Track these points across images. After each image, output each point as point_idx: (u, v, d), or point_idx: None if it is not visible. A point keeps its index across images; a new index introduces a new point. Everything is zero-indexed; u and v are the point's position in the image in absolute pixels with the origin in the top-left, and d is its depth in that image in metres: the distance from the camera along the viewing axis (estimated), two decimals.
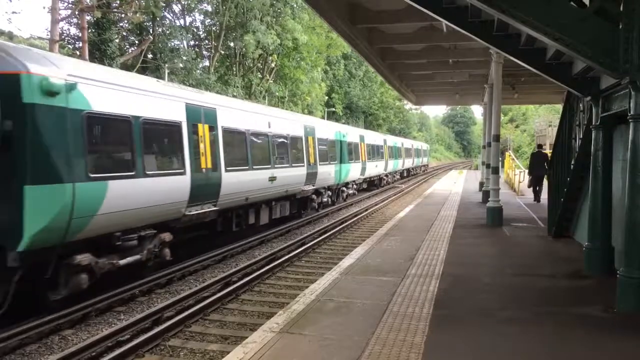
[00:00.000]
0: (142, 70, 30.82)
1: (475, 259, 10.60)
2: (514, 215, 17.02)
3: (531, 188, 21.80)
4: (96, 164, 9.49)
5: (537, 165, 20.44)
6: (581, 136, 10.93)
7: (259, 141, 16.74)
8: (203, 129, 13.26)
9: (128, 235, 10.57)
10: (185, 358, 7.84)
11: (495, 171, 15.99)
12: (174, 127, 12.07)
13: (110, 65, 25.80)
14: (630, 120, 7.14)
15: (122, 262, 10.45)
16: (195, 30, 40.78)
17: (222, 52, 39.99)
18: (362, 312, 7.05)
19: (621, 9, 7.04)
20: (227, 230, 15.40)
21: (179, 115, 12.26)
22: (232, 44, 40.24)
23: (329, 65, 57.53)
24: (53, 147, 8.50)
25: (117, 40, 29.49)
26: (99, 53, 25.89)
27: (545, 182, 19.56)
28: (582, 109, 11.05)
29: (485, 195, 19.67)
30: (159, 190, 11.14)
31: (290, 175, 18.97)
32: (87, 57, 24.47)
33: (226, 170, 14.13)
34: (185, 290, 11.19)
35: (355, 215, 22.89)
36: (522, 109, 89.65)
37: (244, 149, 15.63)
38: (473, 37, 10.69)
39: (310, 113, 44.73)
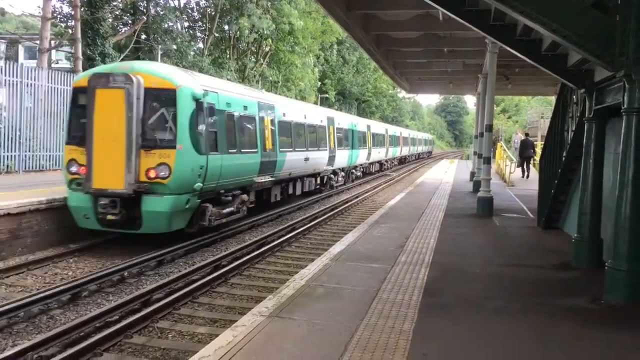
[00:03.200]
0: (135, 51, 30.55)
1: (465, 248, 10.67)
2: (504, 205, 17.11)
3: (520, 168, 28.23)
4: (225, 138, 14.53)
5: (525, 149, 26.94)
6: (574, 128, 10.97)
7: (298, 129, 21.56)
8: (267, 120, 17.86)
9: (226, 194, 14.94)
10: (174, 340, 7.84)
11: (487, 161, 16.09)
12: (252, 118, 16.77)
13: (102, 44, 25.56)
14: (623, 114, 7.17)
15: (224, 211, 14.74)
16: (189, 11, 40.43)
17: (217, 35, 39.68)
18: (352, 298, 7.08)
19: (618, 1, 7.04)
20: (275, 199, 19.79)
21: (254, 110, 16.95)
22: (226, 27, 39.94)
23: (322, 51, 56.93)
24: (206, 129, 13.37)
25: (110, 20, 29.17)
26: (92, 32, 25.60)
27: (533, 171, 27.21)
28: (576, 101, 11.08)
29: (476, 185, 19.79)
30: (245, 162, 15.82)
31: (318, 157, 23.65)
32: (79, 35, 24.21)
33: (280, 151, 18.71)
34: (174, 273, 11.18)
35: (346, 202, 22.91)
36: (514, 100, 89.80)
37: (289, 135, 20.35)
38: (470, 25, 10.66)
39: (303, 99, 44.43)
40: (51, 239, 12.90)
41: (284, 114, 19.72)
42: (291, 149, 20.09)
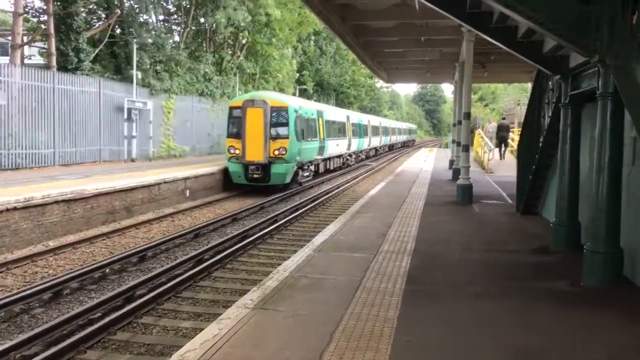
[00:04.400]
0: (110, 45, 30.09)
1: (446, 235, 10.78)
2: (483, 192, 17.28)
3: (498, 149, 30.05)
4: (305, 135, 24.84)
5: (502, 131, 29.43)
6: (550, 114, 11.11)
7: (334, 125, 32.45)
8: (321, 120, 28.52)
9: (305, 165, 25.37)
10: (158, 335, 7.83)
11: (466, 149, 16.20)
12: (314, 119, 27.08)
13: (76, 39, 25.08)
14: (598, 98, 7.28)
15: (304, 174, 25.70)
16: (164, 4, 39.85)
17: (194, 28, 39.22)
18: (336, 288, 7.12)
19: None
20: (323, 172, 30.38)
21: (315, 114, 27.68)
22: (202, 20, 39.46)
23: (299, 42, 56.62)
24: (299, 128, 23.77)
25: (83, 14, 28.64)
26: (65, 27, 25.10)
27: (510, 156, 28.70)
28: (552, 87, 11.21)
29: (456, 173, 19.98)
30: (313, 147, 26.28)
31: (342, 144, 34.68)
32: (52, 31, 23.78)
33: (327, 139, 29.22)
34: (157, 268, 11.13)
35: (327, 193, 23.08)
36: (491, 88, 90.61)
37: (329, 129, 30.66)
38: (445, 14, 10.71)
39: (282, 90, 44.14)
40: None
41: (327, 115, 31.01)
42: (330, 138, 30.67)
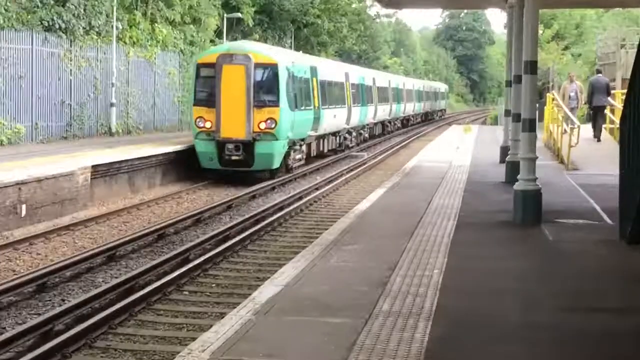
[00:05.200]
0: None
1: (494, 282, 7.08)
2: (561, 204, 12.04)
3: (592, 125, 20.28)
4: (298, 102, 20.29)
5: (598, 94, 19.10)
6: None
7: (331, 88, 26.02)
8: (315, 80, 23.28)
9: (296, 144, 20.73)
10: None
11: (530, 127, 10.79)
12: (307, 80, 22.17)
13: None
14: None
15: (295, 156, 20.92)
16: None
17: None
18: None
19: None
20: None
21: (309, 72, 22.60)
22: None
23: None
24: (291, 92, 19.60)
25: None
26: None
27: (609, 138, 18.95)
28: None
29: (512, 170, 13.61)
30: (307, 119, 21.68)
31: (340, 115, 26.87)
32: None
33: (322, 108, 23.47)
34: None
35: (281, 209, 14.95)
36: (575, 18, 52.36)
37: (325, 93, 24.57)
38: None
39: (196, 21, 30.35)
40: None
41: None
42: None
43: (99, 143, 20.38)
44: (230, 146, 17.96)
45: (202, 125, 18.21)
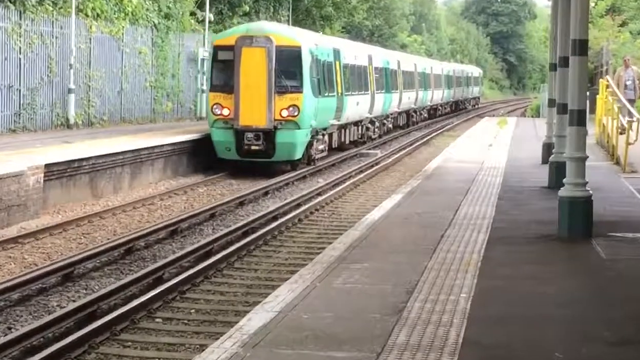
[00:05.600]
0: None
1: (534, 309, 6.07)
2: (616, 214, 10.78)
3: None
4: (321, 89, 19.25)
5: None
6: None
7: (354, 71, 24.36)
8: (338, 63, 21.78)
9: (319, 134, 19.54)
10: None
11: (579, 120, 9.48)
12: (330, 63, 20.69)
13: None
14: None
15: (318, 146, 19.72)
16: None
17: None
18: None
19: None
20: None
21: (332, 55, 21.07)
22: None
23: None
24: (315, 77, 18.69)
25: None
26: None
27: None
28: None
29: (556, 172, 12.22)
30: (330, 107, 20.29)
31: (364, 102, 25.32)
32: None
33: (345, 95, 22.04)
34: None
35: (275, 218, 13.18)
36: None
37: (348, 78, 23.07)
38: None
39: None
40: None
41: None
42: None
43: (55, 137, 17.67)
44: (250, 135, 17.09)
45: (219, 112, 17.38)
